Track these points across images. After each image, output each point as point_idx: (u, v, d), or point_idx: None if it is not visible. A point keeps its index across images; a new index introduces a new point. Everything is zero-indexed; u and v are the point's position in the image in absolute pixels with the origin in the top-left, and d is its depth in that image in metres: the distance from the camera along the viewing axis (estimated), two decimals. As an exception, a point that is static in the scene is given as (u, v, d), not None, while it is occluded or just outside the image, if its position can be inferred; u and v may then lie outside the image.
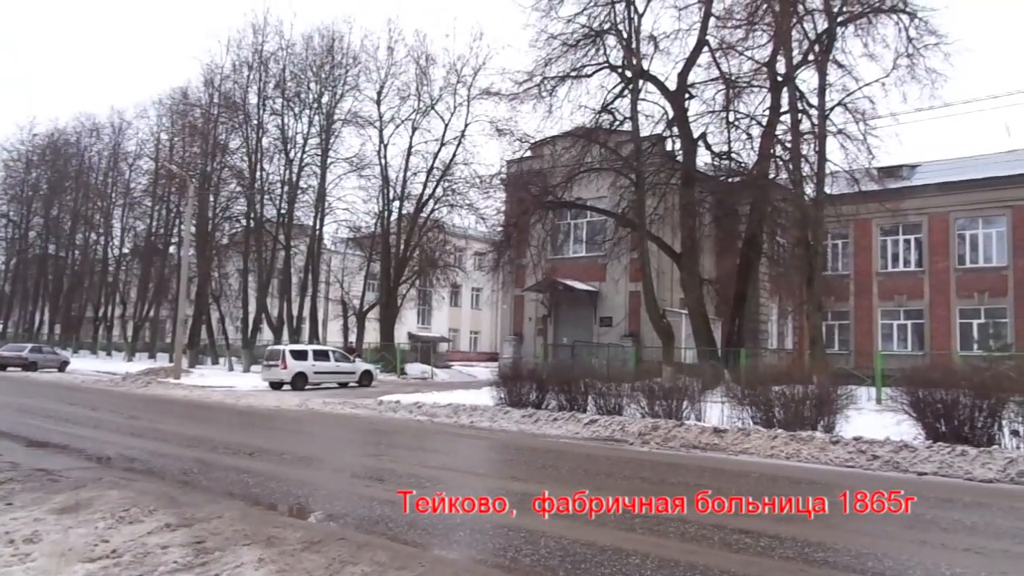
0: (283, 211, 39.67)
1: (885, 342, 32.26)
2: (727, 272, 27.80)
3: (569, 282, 30.77)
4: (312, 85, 39.28)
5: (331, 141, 39.07)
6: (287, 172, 39.55)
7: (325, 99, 39.03)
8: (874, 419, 13.62)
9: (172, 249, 48.09)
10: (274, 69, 39.93)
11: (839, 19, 22.64)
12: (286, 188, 39.58)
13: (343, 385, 27.82)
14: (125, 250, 54.75)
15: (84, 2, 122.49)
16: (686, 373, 17.76)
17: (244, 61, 40.42)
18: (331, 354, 28.64)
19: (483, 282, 42.91)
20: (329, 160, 39.05)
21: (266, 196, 40.20)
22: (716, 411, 14.45)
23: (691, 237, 24.82)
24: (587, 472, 10.00)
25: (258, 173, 39.87)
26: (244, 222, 41.31)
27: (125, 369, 35.16)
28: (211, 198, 41.28)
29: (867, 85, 22.65)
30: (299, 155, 39.29)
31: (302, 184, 39.59)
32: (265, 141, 40.31)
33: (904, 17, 21.90)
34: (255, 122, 39.96)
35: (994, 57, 75.64)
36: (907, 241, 32.92)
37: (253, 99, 40.21)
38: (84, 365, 40.59)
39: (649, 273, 24.42)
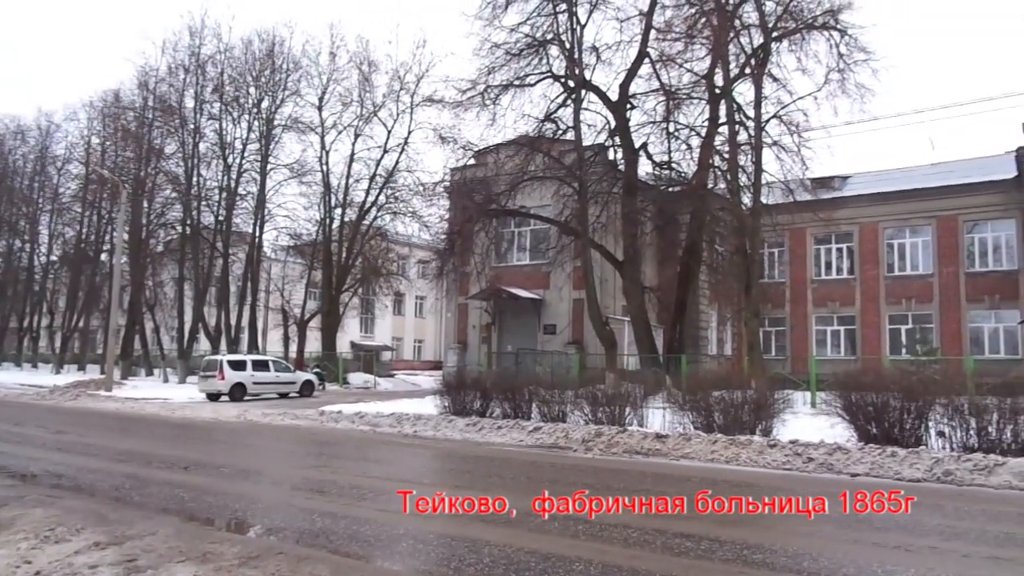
0: (221, 218, 38.75)
1: (819, 347, 33.22)
2: (668, 280, 28.27)
3: (513, 290, 30.84)
4: (251, 90, 38.54)
5: (271, 147, 38.37)
6: (225, 178, 38.70)
7: (265, 104, 38.37)
8: (809, 422, 13.98)
9: (104, 257, 46.47)
10: (212, 73, 39.06)
11: (774, 35, 23.34)
12: (224, 194, 38.68)
13: (283, 395, 27.29)
14: (53, 258, 52.65)
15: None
16: (629, 380, 17.98)
17: (180, 64, 39.45)
18: (271, 364, 28.08)
19: (427, 290, 42.69)
20: (269, 166, 38.34)
21: (203, 202, 39.23)
22: (658, 417, 14.63)
23: (633, 245, 25.18)
24: (531, 479, 10.00)
25: (195, 179, 38.88)
26: (180, 229, 40.21)
27: (52, 382, 33.75)
28: (145, 204, 40.05)
29: (801, 99, 23.49)
30: (238, 161, 38.49)
31: (241, 190, 38.77)
32: (202, 146, 39.41)
33: (835, 34, 22.74)
34: (192, 126, 39.01)
35: (919, 74, 79.08)
36: (839, 250, 34.02)
37: (190, 103, 39.29)
38: (8, 378, 38.85)
39: (592, 281, 24.66)
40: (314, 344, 40.27)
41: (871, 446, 11.11)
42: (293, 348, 39.51)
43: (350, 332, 48.76)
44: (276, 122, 38.20)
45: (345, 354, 41.38)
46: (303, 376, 29.05)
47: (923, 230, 32.14)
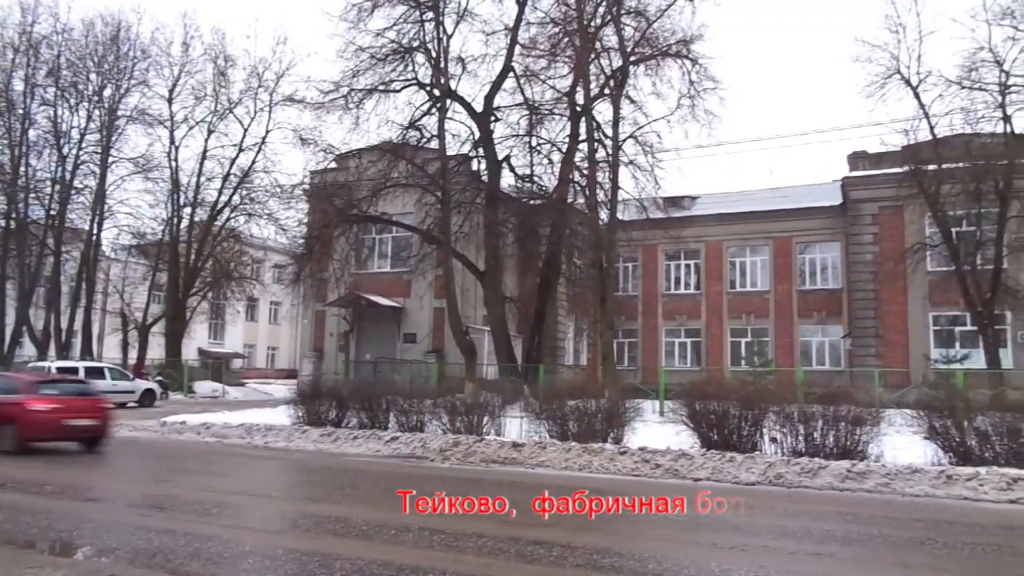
0: (53, 212, 35.69)
1: (668, 358, 34.88)
2: (528, 291, 28.76)
3: (373, 297, 30.32)
4: (92, 76, 35.74)
5: (113, 139, 35.71)
6: (59, 169, 35.65)
7: (107, 92, 35.70)
8: (658, 430, 14.63)
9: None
10: (46, 55, 35.86)
11: (632, 59, 24.42)
12: (57, 187, 35.65)
13: (121, 405, 25.32)
14: None
15: None
16: (488, 389, 18.09)
17: (8, 42, 35.86)
18: (107, 371, 26.12)
19: (282, 296, 41.09)
20: (111, 159, 35.69)
21: (32, 195, 35.92)
22: (515, 426, 14.83)
23: (494, 256, 25.45)
24: (387, 491, 9.86)
25: (22, 168, 35.55)
26: (3, 222, 36.62)
27: None
28: (-40, 193, 36.20)
29: (655, 121, 24.68)
30: (75, 151, 35.57)
31: (77, 183, 35.83)
32: (32, 133, 36.06)
33: (687, 62, 24.08)
34: (20, 111, 35.65)
35: (760, 104, 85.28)
36: (687, 266, 35.95)
37: (19, 85, 35.82)
38: None
39: (453, 290, 24.69)
40: (157, 351, 37.83)
41: (712, 452, 11.79)
42: (134, 355, 36.92)
43: (198, 338, 46.17)
44: (120, 112, 35.67)
45: (192, 361, 39.15)
46: (143, 385, 27.22)
47: (761, 250, 34.58)
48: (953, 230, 23.62)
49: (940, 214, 23.12)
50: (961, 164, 22.28)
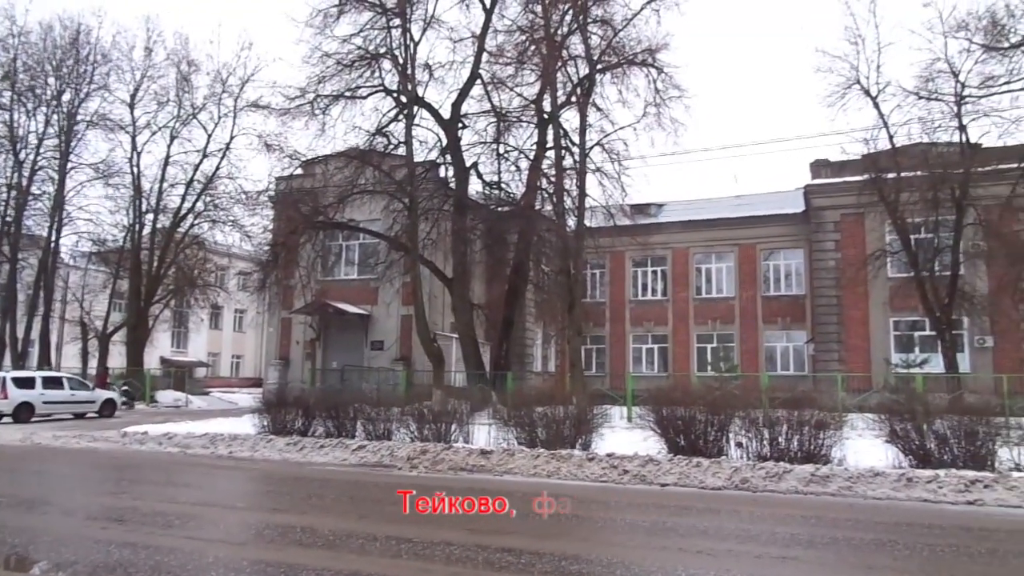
0: (9, 219, 34.84)
1: (636, 365, 35.14)
2: (496, 298, 28.78)
3: (340, 305, 30.11)
4: (51, 80, 34.99)
5: (73, 144, 35.03)
6: (15, 175, 34.81)
7: (66, 97, 34.98)
8: (625, 436, 14.68)
9: None
10: (2, 58, 35.04)
11: (598, 67, 24.63)
12: (14, 193, 34.83)
13: (80, 416, 24.86)
14: None
15: None
16: (456, 396, 18.03)
17: (-38, 45, 35.11)
18: (65, 381, 25.52)
19: (247, 303, 40.57)
20: (70, 165, 34.97)
21: (-13, 201, 35.07)
22: (484, 433, 14.79)
23: (462, 263, 25.43)
24: (353, 499, 9.76)
25: (-24, 175, 34.68)
26: (-44, 229, 35.67)
27: None
28: (-88, 199, 35.18)
29: (621, 129, 24.93)
30: (32, 157, 34.79)
31: (35, 190, 35.03)
32: (-13, 138, 35.25)
33: (653, 71, 24.37)
34: (-26, 116, 34.80)
35: (725, 113, 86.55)
36: (654, 272, 36.29)
37: (-28, 89, 35.03)
38: None
39: (421, 297, 24.60)
40: (118, 360, 37.08)
41: (679, 457, 11.87)
42: (94, 364, 36.13)
43: (160, 347, 45.42)
44: (80, 117, 34.97)
45: (154, 370, 38.46)
46: (103, 394, 26.64)
47: (727, 256, 35.02)
48: (912, 237, 24.15)
49: (899, 221, 23.61)
50: (919, 172, 22.79)
